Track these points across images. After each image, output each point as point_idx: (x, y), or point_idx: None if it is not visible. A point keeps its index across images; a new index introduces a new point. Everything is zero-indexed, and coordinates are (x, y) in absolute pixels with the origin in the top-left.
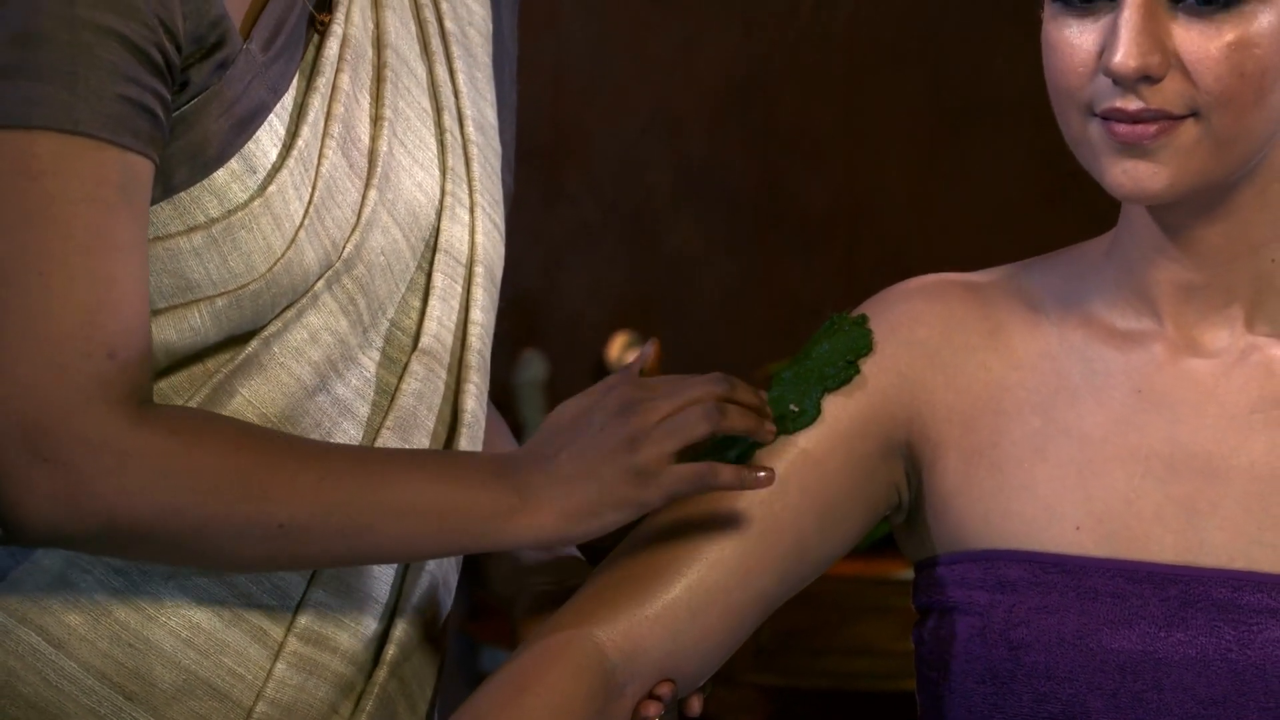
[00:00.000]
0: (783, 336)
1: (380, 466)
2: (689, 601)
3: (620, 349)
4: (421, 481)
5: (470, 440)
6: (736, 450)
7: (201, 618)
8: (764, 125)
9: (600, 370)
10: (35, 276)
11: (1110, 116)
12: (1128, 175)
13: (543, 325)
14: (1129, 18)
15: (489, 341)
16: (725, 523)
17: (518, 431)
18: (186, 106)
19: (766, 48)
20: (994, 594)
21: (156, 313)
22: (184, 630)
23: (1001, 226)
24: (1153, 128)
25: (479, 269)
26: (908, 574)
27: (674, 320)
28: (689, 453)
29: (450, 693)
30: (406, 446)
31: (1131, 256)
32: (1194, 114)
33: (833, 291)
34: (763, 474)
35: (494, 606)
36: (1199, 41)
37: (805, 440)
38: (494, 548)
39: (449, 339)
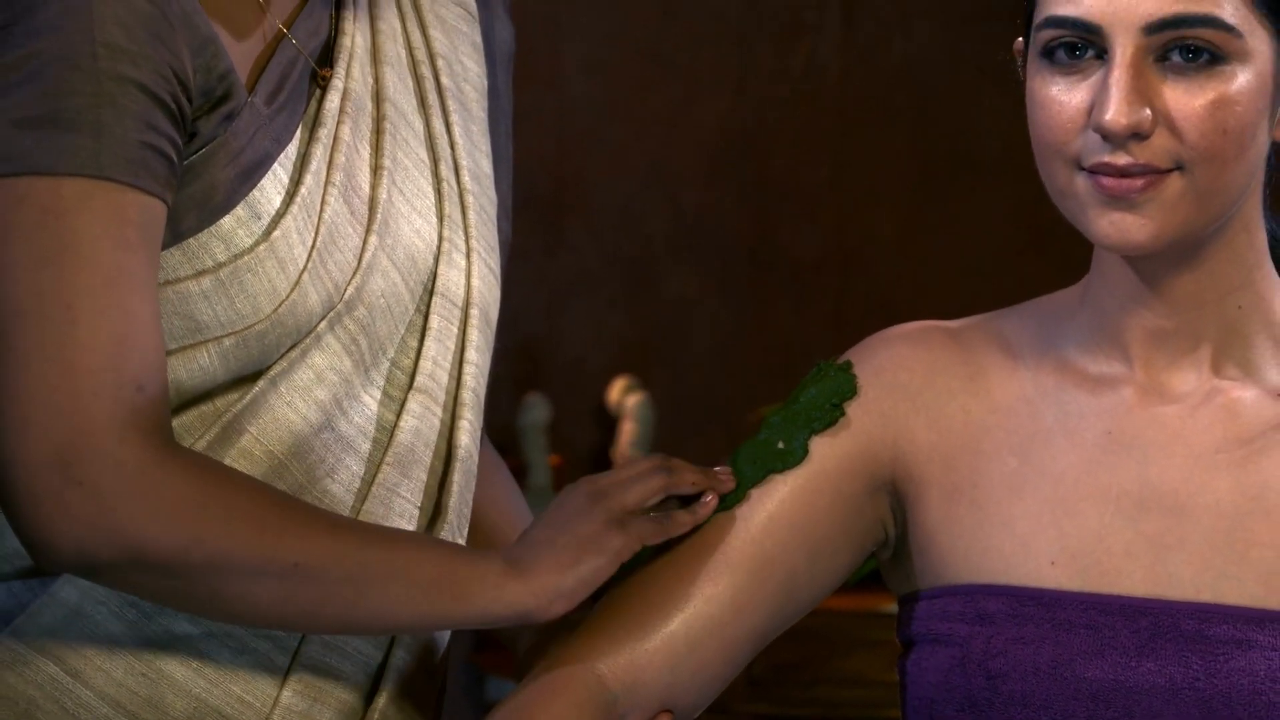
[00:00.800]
0: (776, 380)
1: (387, 531)
2: (686, 635)
3: (620, 392)
4: (424, 546)
5: (464, 474)
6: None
7: (211, 648)
8: (757, 178)
9: (601, 413)
10: (63, 310)
11: (1098, 171)
12: (1115, 227)
13: (545, 369)
14: (1119, 77)
15: (484, 381)
16: (720, 560)
17: (521, 473)
18: (195, 156)
19: (759, 105)
20: (973, 626)
21: (167, 353)
22: (194, 660)
23: (983, 275)
24: (1140, 181)
25: (474, 311)
26: (895, 608)
27: (671, 364)
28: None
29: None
30: (406, 481)
31: (1104, 304)
32: (1179, 168)
33: (823, 337)
34: (708, 498)
35: (498, 639)
36: (1184, 99)
37: (794, 480)
38: (489, 615)
39: (444, 378)
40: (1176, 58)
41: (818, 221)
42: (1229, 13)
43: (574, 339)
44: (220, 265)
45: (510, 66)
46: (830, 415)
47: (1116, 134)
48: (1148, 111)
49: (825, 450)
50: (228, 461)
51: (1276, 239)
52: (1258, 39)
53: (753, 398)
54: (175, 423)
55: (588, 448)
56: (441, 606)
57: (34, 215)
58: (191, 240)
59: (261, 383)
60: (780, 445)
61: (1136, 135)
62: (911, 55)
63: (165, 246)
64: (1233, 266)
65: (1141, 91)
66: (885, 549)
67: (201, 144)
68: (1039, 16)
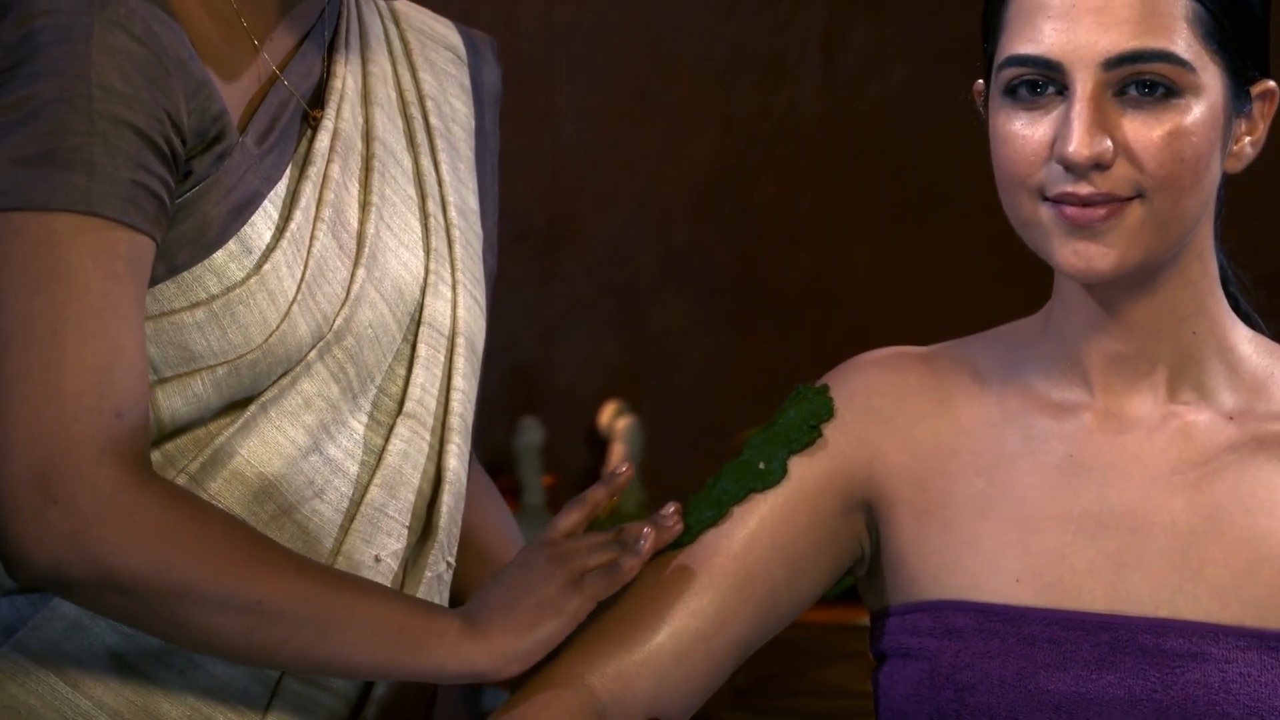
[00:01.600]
0: (759, 405)
1: (353, 579)
2: (672, 648)
3: (610, 416)
4: (387, 597)
5: (453, 495)
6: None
7: (205, 660)
8: (741, 213)
9: (593, 436)
10: (51, 335)
11: (1062, 200)
12: (1078, 255)
13: (540, 394)
14: (1080, 111)
15: (471, 406)
16: (704, 575)
17: (516, 493)
18: (189, 194)
19: (744, 143)
20: (942, 640)
21: (163, 381)
22: (189, 670)
23: (956, 304)
24: (1102, 210)
25: (460, 340)
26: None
27: (659, 390)
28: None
29: None
30: (394, 501)
31: (1065, 330)
32: (1139, 196)
33: (804, 363)
34: (646, 545)
35: None
36: (1142, 130)
37: (774, 498)
38: (445, 672)
39: (432, 404)
40: (1134, 91)
41: (799, 254)
42: (1183, 48)
43: (567, 366)
44: (213, 297)
45: (497, 108)
46: (808, 436)
47: (1079, 165)
48: (1108, 143)
49: (803, 470)
50: (220, 482)
51: (1227, 265)
52: (1209, 74)
53: (737, 422)
54: (170, 446)
55: (580, 469)
56: (398, 658)
57: (27, 246)
58: (185, 274)
59: (253, 408)
60: (761, 465)
61: (1098, 166)
62: (887, 96)
63: (160, 280)
64: (1187, 294)
65: (1102, 124)
66: (861, 565)
67: (195, 182)
68: (1001, 56)
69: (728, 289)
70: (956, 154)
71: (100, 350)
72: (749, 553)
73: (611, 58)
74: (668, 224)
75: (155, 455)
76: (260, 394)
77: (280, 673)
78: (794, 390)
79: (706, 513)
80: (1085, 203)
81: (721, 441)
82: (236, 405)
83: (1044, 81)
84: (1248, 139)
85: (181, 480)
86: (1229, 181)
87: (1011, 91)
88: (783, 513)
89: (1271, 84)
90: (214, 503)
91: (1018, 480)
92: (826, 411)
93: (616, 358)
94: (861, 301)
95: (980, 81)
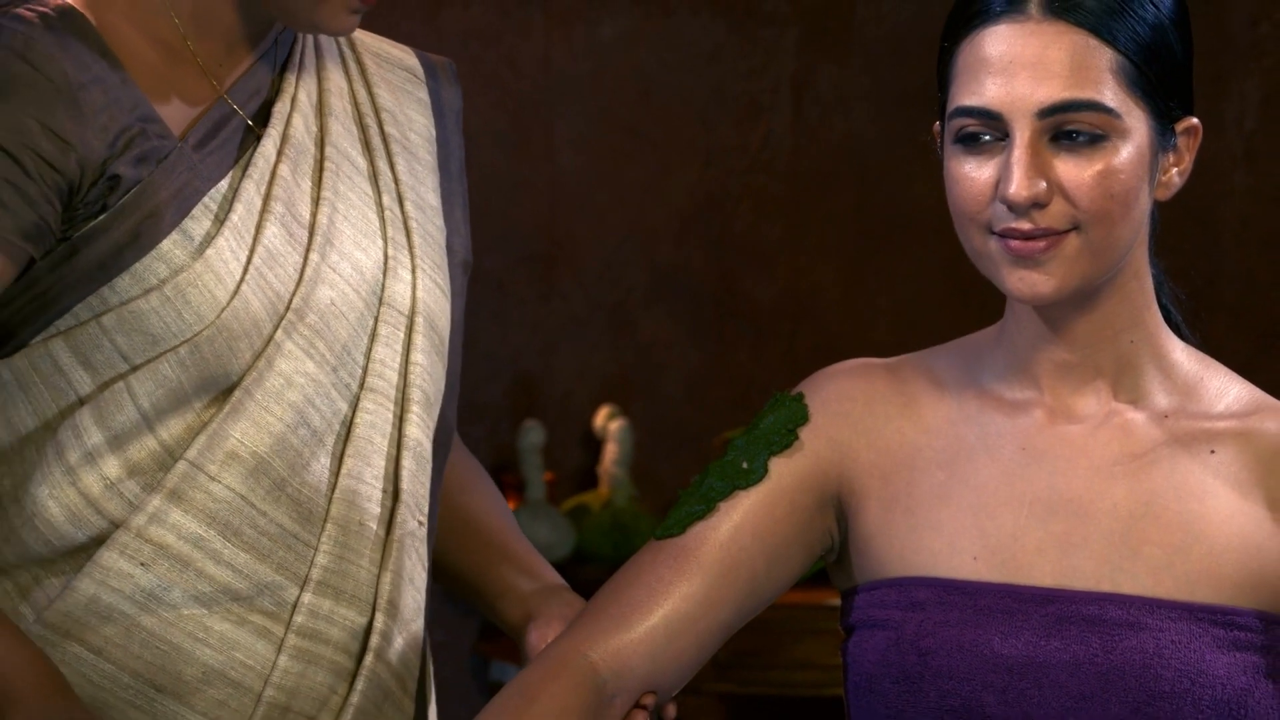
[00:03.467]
0: (737, 410)
1: None
2: (666, 628)
3: (604, 419)
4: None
5: (415, 459)
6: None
7: (213, 621)
8: (721, 238)
9: (588, 436)
10: None
11: (1007, 235)
12: (1024, 282)
13: (540, 400)
14: (1019, 156)
15: (434, 380)
16: (693, 563)
17: (520, 488)
18: (126, 196)
19: (723, 175)
20: (906, 612)
21: (135, 369)
22: (200, 632)
23: (914, 320)
24: (1042, 243)
25: (419, 319)
26: (839, 601)
27: (647, 396)
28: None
29: (467, 700)
30: (369, 469)
31: (1016, 342)
32: (1075, 228)
33: (778, 373)
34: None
35: (502, 629)
36: (1075, 171)
37: (756, 495)
38: None
39: (393, 376)
40: (1066, 137)
41: (772, 274)
42: (1109, 98)
43: (564, 374)
44: (163, 282)
45: (460, 121)
46: (786, 439)
47: (1019, 205)
48: (1043, 184)
49: (782, 469)
50: (218, 465)
51: (1162, 282)
52: (1135, 117)
53: (718, 425)
54: (166, 436)
55: (576, 466)
56: None
57: None
58: (138, 265)
59: (238, 392)
60: (744, 465)
61: (1037, 204)
62: (851, 133)
63: (114, 275)
64: (1124, 309)
65: (1039, 167)
66: (831, 553)
67: (128, 186)
68: (950, 106)
69: (709, 305)
70: (913, 186)
71: None
72: (733, 543)
73: (604, 99)
74: (654, 247)
75: (155, 447)
76: (242, 379)
77: (284, 632)
78: (772, 397)
79: (695, 507)
80: (1027, 237)
81: (704, 442)
82: (223, 393)
83: (987, 129)
84: (1175, 170)
85: (182, 467)
86: (1161, 207)
87: (960, 138)
88: (763, 508)
89: (1194, 121)
90: (215, 483)
91: (975, 471)
92: (802, 416)
93: (609, 367)
94: (828, 317)
95: (937, 123)
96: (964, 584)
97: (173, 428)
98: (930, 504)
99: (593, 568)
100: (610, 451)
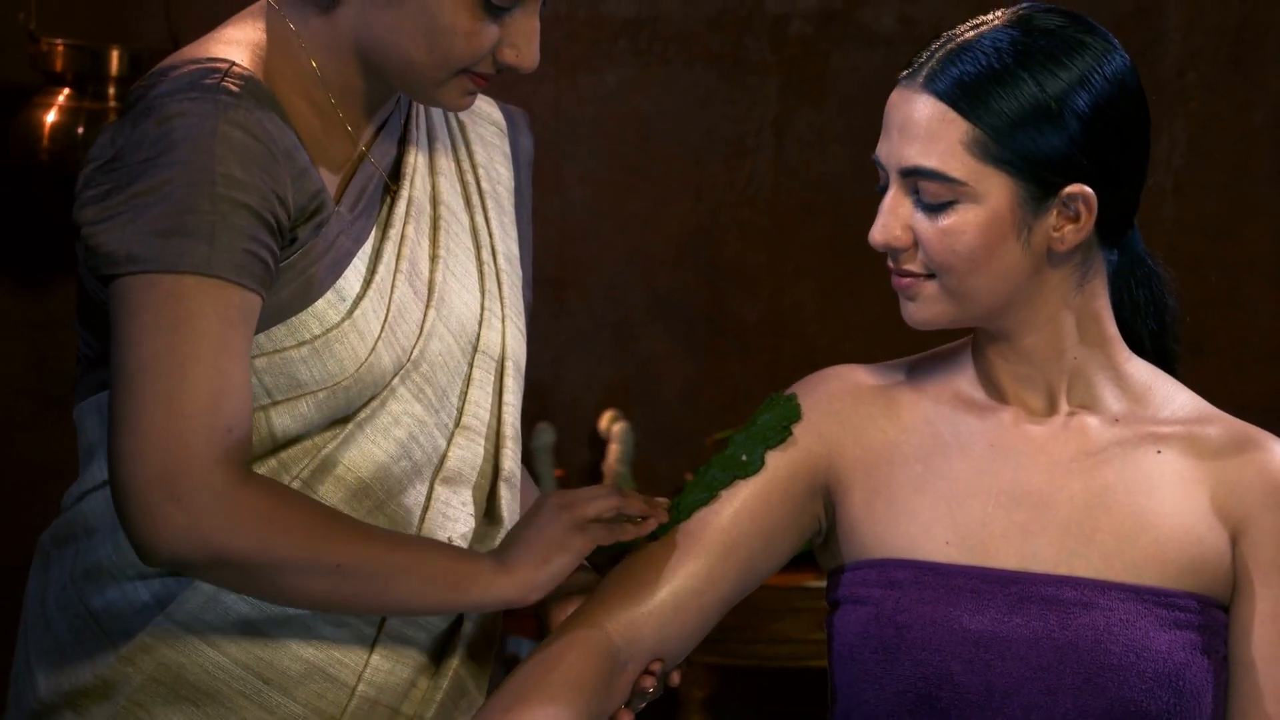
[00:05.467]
0: (726, 414)
1: (407, 538)
2: (673, 602)
3: (608, 422)
4: (434, 550)
5: (509, 489)
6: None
7: (315, 623)
8: (711, 263)
9: (594, 438)
10: (177, 368)
11: (892, 271)
12: (905, 310)
13: (552, 405)
14: (884, 205)
15: (519, 416)
16: (697, 545)
17: (533, 482)
18: (295, 254)
19: (714, 207)
20: (885, 590)
21: (275, 403)
22: (303, 631)
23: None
24: (906, 281)
25: (509, 363)
26: (817, 583)
27: (646, 402)
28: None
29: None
30: (455, 496)
31: (983, 355)
32: (931, 275)
33: (762, 382)
34: (648, 520)
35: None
36: (925, 226)
37: (754, 484)
38: (483, 604)
39: (485, 416)
40: (919, 195)
41: (757, 295)
42: (954, 168)
43: (572, 383)
44: (315, 337)
45: (530, 169)
46: (781, 435)
47: (876, 247)
48: (898, 232)
49: (777, 462)
50: (324, 486)
51: (1140, 305)
52: (990, 184)
53: (709, 427)
54: (284, 455)
55: (583, 463)
56: (447, 597)
57: (160, 299)
58: (294, 319)
59: (351, 425)
60: (743, 458)
61: (896, 249)
62: (827, 171)
63: (271, 325)
64: (1064, 334)
65: (900, 216)
66: (819, 536)
67: (300, 245)
68: None
69: (700, 322)
70: None
71: (214, 380)
72: (734, 527)
73: (608, 140)
74: (652, 271)
75: (271, 463)
76: (356, 414)
77: (375, 633)
78: (768, 398)
79: (699, 495)
80: (901, 274)
81: (697, 443)
82: (337, 423)
83: (882, 176)
84: (1069, 227)
85: (295, 485)
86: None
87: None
88: (760, 496)
89: (1079, 188)
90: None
91: (948, 465)
92: (795, 415)
93: (612, 376)
94: (807, 332)
95: None
96: (937, 566)
97: (292, 451)
98: (908, 494)
99: (597, 552)
100: (613, 451)
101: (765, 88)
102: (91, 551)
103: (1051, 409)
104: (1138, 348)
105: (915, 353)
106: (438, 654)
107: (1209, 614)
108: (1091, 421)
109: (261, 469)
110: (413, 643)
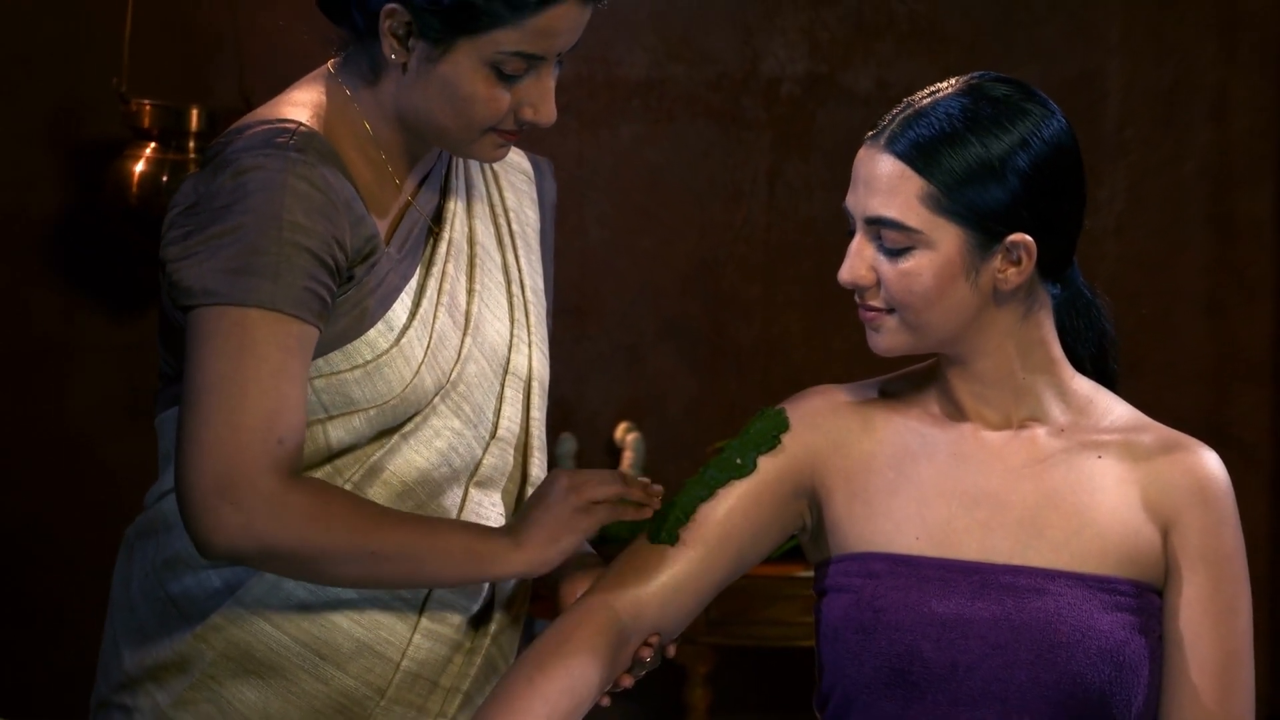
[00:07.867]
0: (724, 426)
1: (433, 521)
2: (673, 585)
3: (622, 432)
4: (456, 530)
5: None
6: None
7: (365, 605)
8: (713, 293)
9: (611, 445)
10: (238, 388)
11: (859, 305)
12: (871, 340)
13: (573, 418)
14: (851, 248)
15: (544, 428)
16: (695, 536)
17: None
18: (351, 290)
19: (715, 244)
20: (864, 579)
21: (330, 418)
22: (354, 613)
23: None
24: (870, 314)
25: (535, 384)
26: (805, 573)
27: (656, 416)
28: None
29: None
30: (488, 498)
31: (945, 377)
32: (891, 310)
33: (755, 398)
34: (647, 507)
35: (539, 589)
36: (886, 267)
37: (746, 484)
38: (501, 577)
39: (516, 429)
40: (882, 241)
41: (752, 323)
42: (910, 218)
43: (592, 399)
44: (367, 362)
45: (554, 211)
46: (772, 443)
47: (844, 285)
48: (863, 272)
49: (767, 466)
50: (373, 489)
51: (1081, 332)
52: (942, 232)
53: (709, 438)
54: (339, 462)
55: (601, 468)
56: (469, 571)
57: (227, 328)
58: (349, 346)
59: (396, 437)
60: (738, 461)
61: (861, 287)
62: (813, 215)
63: (329, 351)
64: (1011, 359)
65: (864, 258)
66: (805, 533)
67: (356, 283)
68: None
69: (703, 346)
70: None
71: (271, 399)
72: (727, 521)
73: (624, 185)
74: (662, 301)
75: (326, 469)
76: (401, 427)
77: (417, 617)
78: (760, 410)
79: (699, 492)
80: (866, 308)
81: (699, 451)
82: (384, 434)
83: (850, 223)
84: (1012, 270)
85: (348, 488)
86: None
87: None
88: (751, 495)
89: (1021, 237)
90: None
91: (917, 471)
92: (784, 426)
93: (626, 393)
94: (795, 355)
95: None
96: (909, 558)
97: (345, 459)
98: (883, 497)
99: (613, 546)
100: (627, 458)
101: (759, 141)
102: (169, 544)
103: (1005, 422)
104: (1081, 368)
105: (888, 374)
106: (471, 635)
107: (1145, 598)
108: (1040, 432)
109: (318, 474)
110: (449, 623)
